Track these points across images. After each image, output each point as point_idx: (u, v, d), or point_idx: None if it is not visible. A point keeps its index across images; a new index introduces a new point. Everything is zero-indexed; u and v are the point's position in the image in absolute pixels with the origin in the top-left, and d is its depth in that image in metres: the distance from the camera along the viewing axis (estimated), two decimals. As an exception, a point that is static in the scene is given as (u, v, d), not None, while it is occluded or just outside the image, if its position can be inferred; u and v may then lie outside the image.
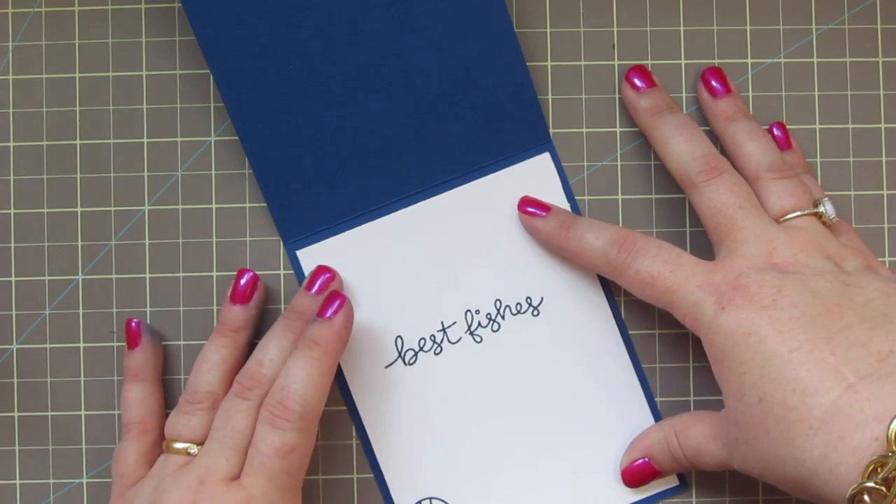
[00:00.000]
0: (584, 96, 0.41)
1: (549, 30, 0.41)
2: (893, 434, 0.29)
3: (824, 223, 0.37)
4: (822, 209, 0.37)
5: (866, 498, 0.29)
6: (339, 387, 0.41)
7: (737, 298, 0.34)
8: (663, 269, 0.36)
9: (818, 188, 0.39)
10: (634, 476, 0.39)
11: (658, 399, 0.41)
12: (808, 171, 0.40)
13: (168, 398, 0.41)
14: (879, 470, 0.29)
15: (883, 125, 0.41)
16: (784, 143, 0.40)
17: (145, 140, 0.41)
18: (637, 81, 0.40)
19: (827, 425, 0.31)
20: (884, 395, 0.30)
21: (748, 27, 0.41)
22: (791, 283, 0.34)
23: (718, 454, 0.35)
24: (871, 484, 0.29)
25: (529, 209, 0.40)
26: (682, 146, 0.38)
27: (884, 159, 0.41)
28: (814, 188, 0.39)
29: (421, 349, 0.41)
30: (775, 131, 0.41)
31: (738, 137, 0.39)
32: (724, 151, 0.39)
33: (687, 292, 0.35)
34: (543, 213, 0.40)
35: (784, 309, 0.33)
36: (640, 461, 0.39)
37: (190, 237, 0.41)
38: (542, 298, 0.41)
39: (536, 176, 0.41)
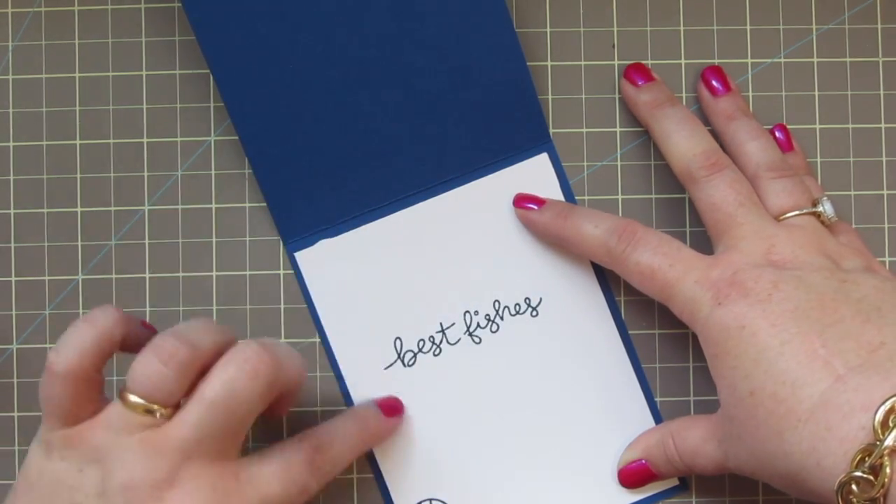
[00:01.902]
0: (584, 96, 0.41)
1: (549, 30, 0.41)
2: (880, 422, 0.29)
3: (823, 223, 0.37)
4: (820, 209, 0.37)
5: (854, 488, 0.29)
6: (340, 388, 0.41)
7: (733, 294, 0.34)
8: (663, 263, 0.36)
9: (818, 189, 0.39)
10: (630, 477, 0.39)
11: (658, 399, 0.41)
12: (809, 172, 0.40)
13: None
14: (866, 459, 0.29)
15: (883, 125, 0.41)
16: (786, 145, 0.40)
17: (145, 140, 0.41)
18: (636, 78, 0.40)
19: (815, 417, 0.31)
20: (871, 385, 0.30)
21: (748, 27, 0.41)
22: (787, 278, 0.34)
23: (714, 455, 0.35)
24: (858, 473, 0.29)
25: (525, 204, 0.40)
26: (683, 141, 0.38)
27: (884, 159, 0.41)
28: (814, 189, 0.39)
29: (420, 350, 0.41)
30: (777, 134, 0.41)
31: (738, 136, 0.39)
32: (724, 149, 0.39)
33: (685, 287, 0.35)
34: (539, 207, 0.40)
35: (778, 303, 0.33)
36: (637, 462, 0.39)
37: (190, 237, 0.41)
38: (540, 299, 0.41)
39: (534, 176, 0.41)
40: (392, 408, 0.39)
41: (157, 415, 0.31)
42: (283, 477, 0.33)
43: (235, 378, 0.32)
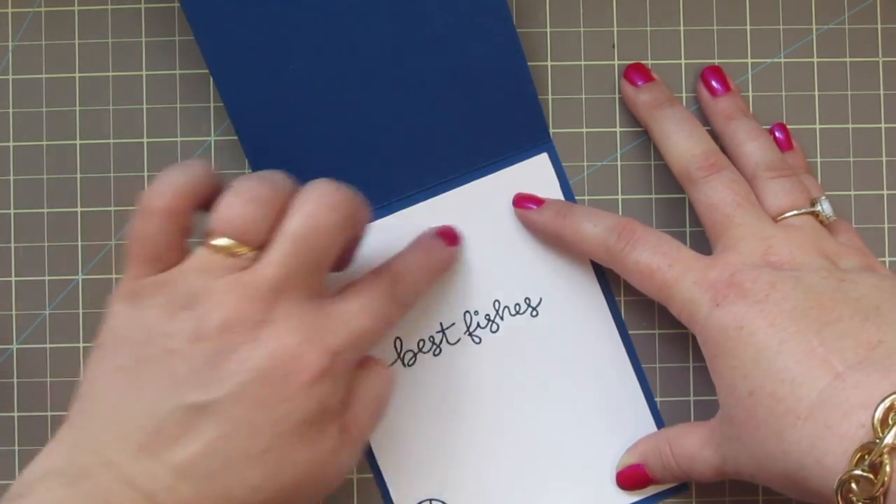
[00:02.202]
0: (584, 96, 0.41)
1: (549, 30, 0.41)
2: (879, 420, 0.29)
3: (821, 222, 0.37)
4: (818, 208, 0.37)
5: (854, 486, 0.29)
6: (339, 387, 0.41)
7: (731, 295, 0.34)
8: (662, 262, 0.36)
9: (818, 188, 0.39)
10: (627, 480, 0.39)
11: (658, 399, 0.41)
12: (808, 171, 0.40)
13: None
14: (866, 457, 0.29)
15: (883, 125, 0.41)
16: (785, 145, 0.40)
17: (145, 140, 0.41)
18: (636, 78, 0.40)
19: (814, 415, 0.31)
20: (870, 382, 0.30)
21: (748, 27, 0.41)
22: (785, 279, 0.34)
23: (712, 460, 0.35)
24: (858, 471, 0.29)
25: (525, 203, 0.40)
26: (682, 141, 0.38)
27: (884, 159, 0.41)
28: (813, 188, 0.39)
29: (420, 350, 0.40)
30: (777, 133, 0.41)
31: (737, 136, 0.39)
32: (723, 150, 0.39)
33: (683, 288, 0.35)
34: (538, 207, 0.40)
35: (776, 303, 0.33)
36: (634, 466, 0.39)
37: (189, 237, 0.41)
38: (540, 299, 0.41)
39: (534, 176, 0.41)
40: (452, 236, 0.40)
41: (244, 256, 0.31)
42: (370, 310, 0.33)
43: (315, 212, 0.31)
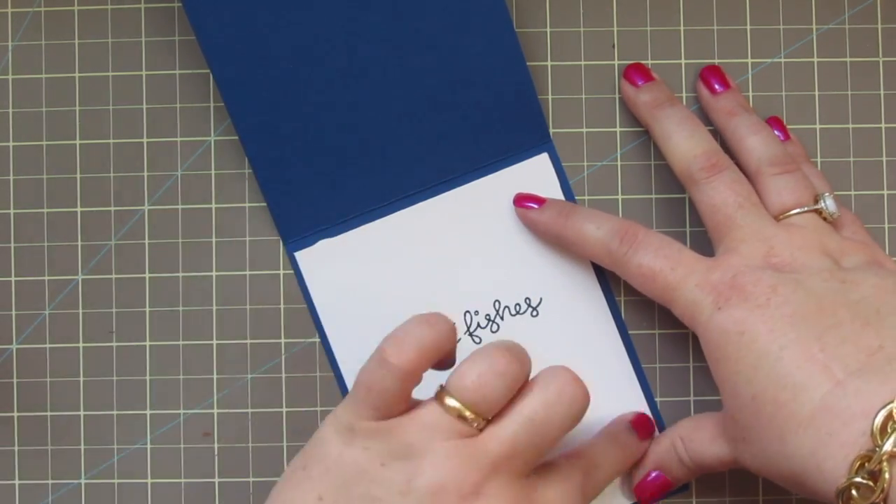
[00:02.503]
0: (584, 96, 0.41)
1: (549, 30, 0.41)
2: (878, 428, 0.29)
3: (825, 219, 0.37)
4: (821, 205, 0.37)
5: (854, 493, 0.29)
6: (340, 389, 0.41)
7: (733, 298, 0.34)
8: (665, 265, 0.36)
9: (819, 176, 0.39)
10: (648, 490, 0.38)
11: (658, 399, 0.41)
12: (809, 160, 0.40)
13: (155, 398, 0.41)
14: (866, 464, 0.29)
15: (883, 125, 0.41)
16: (783, 137, 0.40)
17: (145, 140, 0.41)
18: (636, 78, 0.40)
19: (816, 422, 0.31)
20: (870, 390, 0.30)
21: (748, 27, 0.41)
22: (786, 282, 0.34)
23: (722, 453, 0.35)
24: (858, 479, 0.29)
25: (525, 203, 0.40)
26: (683, 141, 0.38)
27: (884, 159, 0.41)
28: (816, 179, 0.38)
29: (420, 349, 0.40)
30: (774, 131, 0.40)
31: (739, 131, 0.38)
32: (725, 146, 0.39)
33: (686, 290, 0.35)
34: (539, 206, 0.40)
35: (777, 307, 0.33)
36: (653, 475, 0.38)
37: (190, 237, 0.41)
38: (541, 299, 0.41)
39: (535, 176, 0.41)
40: (646, 430, 0.39)
41: (474, 424, 0.31)
42: (564, 500, 0.33)
43: (555, 401, 0.32)
